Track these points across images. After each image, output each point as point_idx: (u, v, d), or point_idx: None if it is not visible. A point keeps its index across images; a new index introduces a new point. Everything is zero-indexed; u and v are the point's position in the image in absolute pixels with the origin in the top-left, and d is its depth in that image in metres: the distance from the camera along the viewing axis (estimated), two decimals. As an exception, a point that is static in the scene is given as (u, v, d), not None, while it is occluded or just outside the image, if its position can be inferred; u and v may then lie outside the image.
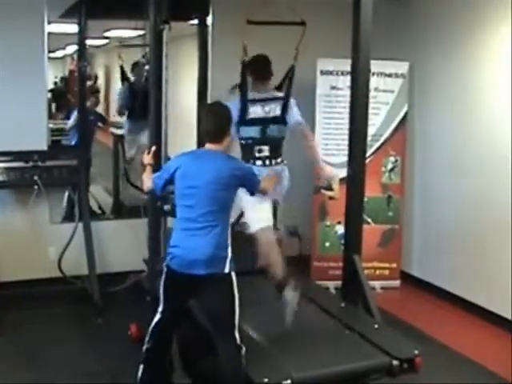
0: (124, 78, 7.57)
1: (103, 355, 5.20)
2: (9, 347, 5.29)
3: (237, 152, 4.96)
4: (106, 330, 5.65)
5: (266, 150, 5.00)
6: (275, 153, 5.04)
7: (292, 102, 5.12)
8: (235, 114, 4.87)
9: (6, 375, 4.83)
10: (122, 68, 7.53)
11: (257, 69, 5.04)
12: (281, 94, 5.10)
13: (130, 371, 4.59)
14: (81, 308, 6.02)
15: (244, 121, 4.96)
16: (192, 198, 4.01)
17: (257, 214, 4.93)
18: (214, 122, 4.13)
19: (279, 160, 5.05)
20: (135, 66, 7.50)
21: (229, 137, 4.19)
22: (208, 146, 4.15)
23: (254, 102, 4.97)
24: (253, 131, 4.99)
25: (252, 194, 4.37)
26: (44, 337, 5.49)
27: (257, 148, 5.00)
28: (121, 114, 7.83)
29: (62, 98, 7.66)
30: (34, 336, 5.50)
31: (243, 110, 4.95)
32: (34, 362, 5.07)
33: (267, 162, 5.00)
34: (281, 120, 5.05)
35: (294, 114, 5.11)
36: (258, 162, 4.99)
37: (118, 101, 7.85)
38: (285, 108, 5.04)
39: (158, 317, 4.19)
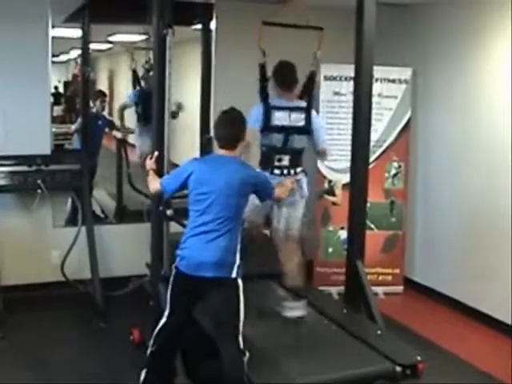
0: (135, 81, 7.56)
1: (105, 359, 5.20)
2: (12, 350, 5.28)
3: (255, 155, 4.95)
4: (108, 334, 5.64)
5: (285, 160, 5.00)
6: (295, 163, 5.03)
7: (314, 113, 5.13)
8: (260, 117, 4.89)
9: (8, 378, 4.83)
10: (134, 71, 7.52)
11: (282, 76, 5.04)
12: (304, 104, 5.09)
13: (132, 375, 4.60)
14: (83, 312, 6.01)
15: (268, 127, 4.95)
16: (204, 204, 4.04)
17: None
18: (228, 128, 4.16)
19: (298, 170, 5.05)
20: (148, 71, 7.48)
21: (243, 142, 4.19)
22: (222, 151, 4.18)
23: (278, 108, 4.97)
24: (275, 140, 4.98)
25: (264, 201, 4.43)
26: (47, 340, 5.50)
27: (277, 157, 4.99)
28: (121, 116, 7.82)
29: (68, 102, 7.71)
30: (36, 339, 5.50)
31: (266, 116, 4.94)
32: (37, 364, 5.07)
33: (285, 172, 4.99)
34: (304, 131, 5.04)
35: (322, 133, 5.12)
36: (277, 171, 5.00)
37: (128, 104, 7.84)
38: (308, 118, 5.03)
39: (163, 320, 4.21)
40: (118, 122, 7.86)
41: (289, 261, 5.05)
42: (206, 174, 4.09)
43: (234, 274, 4.02)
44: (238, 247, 4.10)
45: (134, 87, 7.63)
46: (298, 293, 5.49)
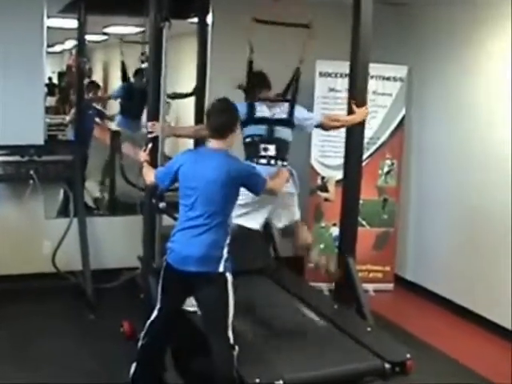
0: (124, 75, 7.56)
1: (95, 351, 5.19)
2: (0, 341, 5.27)
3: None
4: (99, 327, 5.64)
5: (271, 150, 4.93)
6: (281, 154, 4.97)
7: (299, 107, 5.10)
8: (242, 113, 4.87)
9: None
10: (122, 64, 7.52)
11: (257, 83, 5.06)
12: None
13: (122, 368, 4.60)
14: (74, 303, 6.02)
15: (251, 119, 4.93)
16: (190, 199, 4.03)
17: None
18: (219, 117, 4.12)
19: (285, 163, 4.99)
20: (138, 71, 7.48)
21: (233, 134, 4.15)
22: (212, 142, 4.15)
23: (261, 100, 4.97)
24: (259, 129, 4.95)
25: (257, 194, 4.34)
26: (36, 331, 5.49)
27: (262, 146, 4.94)
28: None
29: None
30: (26, 330, 5.50)
31: (250, 108, 4.93)
32: (26, 356, 5.06)
33: (272, 162, 4.94)
34: (287, 123, 5.02)
35: (302, 112, 5.09)
36: (263, 161, 4.92)
37: (114, 95, 7.87)
38: (291, 111, 5.02)
39: (154, 314, 4.21)
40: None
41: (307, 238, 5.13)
42: (193, 169, 4.08)
43: (221, 269, 4.00)
44: (226, 241, 4.07)
45: (123, 80, 7.63)
46: (289, 288, 5.53)
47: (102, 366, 4.97)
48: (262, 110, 4.96)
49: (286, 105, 5.02)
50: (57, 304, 6.05)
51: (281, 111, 5.00)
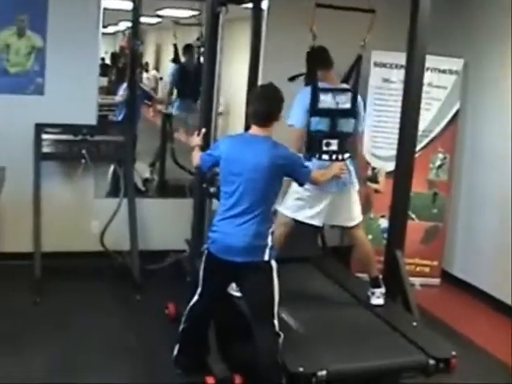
0: (176, 57, 7.58)
1: (139, 331, 5.23)
2: (44, 317, 5.32)
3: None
4: (144, 307, 5.67)
5: (334, 144, 4.89)
6: (343, 147, 4.93)
7: (359, 98, 5.06)
8: (307, 102, 4.83)
9: (37, 344, 4.87)
10: (175, 47, 7.54)
11: (317, 58, 4.98)
12: (348, 86, 5.02)
13: (166, 349, 4.66)
14: (120, 283, 6.05)
15: (315, 110, 4.85)
16: (233, 185, 3.97)
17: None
18: (264, 104, 4.00)
19: (346, 155, 4.96)
20: (188, 47, 7.50)
21: (277, 121, 4.05)
22: (254, 129, 4.05)
23: (324, 90, 4.88)
24: (322, 124, 4.88)
25: (301, 184, 4.29)
26: (81, 309, 5.52)
27: (325, 141, 4.88)
28: (170, 93, 7.86)
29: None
30: (70, 307, 5.53)
31: (314, 99, 4.83)
32: (68, 333, 5.09)
33: (334, 157, 4.89)
34: (350, 113, 4.97)
35: (361, 121, 5.10)
36: (325, 157, 4.89)
37: (169, 79, 7.87)
38: (354, 101, 4.96)
39: (195, 298, 4.24)
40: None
41: (366, 249, 5.14)
42: (235, 155, 3.99)
43: (266, 257, 3.98)
44: (271, 230, 4.05)
45: (174, 62, 7.65)
46: (334, 277, 5.52)
47: (146, 346, 5.00)
48: (325, 101, 4.87)
49: (349, 93, 4.96)
50: (103, 283, 6.10)
51: (345, 100, 4.92)
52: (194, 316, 4.29)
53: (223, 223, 4.03)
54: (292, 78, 5.11)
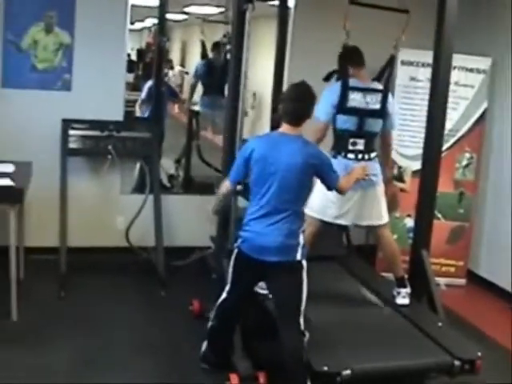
0: (204, 53, 7.59)
1: (164, 327, 5.24)
2: (68, 311, 5.35)
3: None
4: (169, 303, 5.68)
5: (360, 144, 4.88)
6: (369, 147, 4.93)
7: (391, 98, 5.05)
8: (335, 99, 4.82)
9: (61, 337, 4.91)
10: (203, 43, 7.54)
11: (350, 56, 4.97)
12: (380, 87, 5.01)
13: (190, 346, 4.68)
14: (144, 279, 6.07)
15: (343, 108, 4.85)
16: (265, 185, 3.95)
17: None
18: (299, 103, 3.99)
19: (372, 155, 4.96)
20: (216, 45, 7.50)
21: (308, 120, 4.05)
22: (285, 127, 4.03)
23: (355, 89, 4.87)
24: (350, 123, 4.88)
25: (329, 188, 4.22)
26: (105, 304, 5.55)
27: (351, 140, 4.88)
28: (193, 88, 7.86)
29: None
30: (94, 302, 5.57)
31: (343, 96, 4.83)
32: (92, 327, 5.11)
33: (360, 156, 4.89)
34: (379, 114, 4.95)
35: (393, 119, 5.07)
36: (351, 156, 4.89)
37: (194, 76, 7.88)
38: (384, 102, 4.94)
39: (223, 296, 4.24)
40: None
41: (393, 248, 5.11)
42: (268, 154, 3.96)
43: (298, 257, 3.98)
44: (302, 228, 4.04)
45: (203, 58, 7.66)
46: (359, 276, 5.50)
47: (170, 342, 5.00)
48: (354, 99, 4.86)
49: (380, 94, 4.94)
50: (128, 278, 6.12)
51: (376, 100, 4.91)
52: (222, 314, 4.30)
53: (255, 222, 4.02)
54: (327, 78, 5.08)
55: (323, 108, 4.83)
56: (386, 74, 5.12)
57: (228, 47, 6.33)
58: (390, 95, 5.05)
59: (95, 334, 5.00)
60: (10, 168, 5.32)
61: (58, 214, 5.94)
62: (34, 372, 4.37)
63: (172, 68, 8.37)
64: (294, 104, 4.00)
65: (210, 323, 4.35)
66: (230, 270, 4.18)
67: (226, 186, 4.26)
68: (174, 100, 8.08)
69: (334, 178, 4.15)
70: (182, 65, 8.74)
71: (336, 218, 4.95)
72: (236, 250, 4.14)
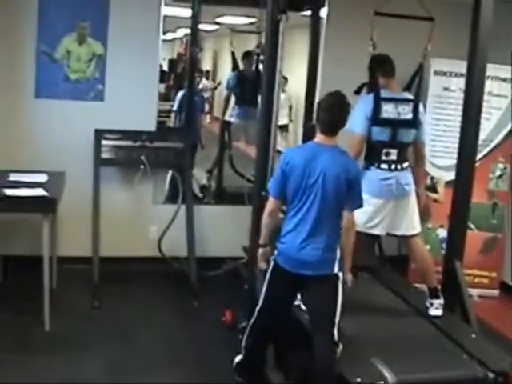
0: (234, 64, 7.61)
1: (196, 338, 5.25)
2: (100, 321, 5.39)
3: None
4: (201, 313, 5.70)
5: (393, 154, 4.87)
6: (402, 157, 4.93)
7: (421, 107, 5.03)
8: (368, 112, 4.82)
9: (97, 345, 4.95)
10: (233, 54, 7.57)
11: (381, 65, 4.96)
12: (411, 96, 5.00)
13: (222, 356, 4.67)
14: (177, 289, 6.09)
15: (377, 120, 4.84)
16: (302, 198, 3.93)
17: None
18: (336, 113, 3.96)
19: (405, 165, 4.95)
20: (246, 54, 7.52)
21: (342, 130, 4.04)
22: (321, 138, 3.99)
23: (387, 100, 4.87)
24: (383, 134, 4.87)
25: (350, 210, 4.02)
26: (137, 314, 5.58)
27: (384, 151, 4.88)
28: (227, 100, 7.88)
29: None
30: (127, 312, 5.59)
31: (376, 108, 4.83)
32: (124, 337, 5.13)
33: (393, 167, 4.88)
34: (412, 124, 4.94)
35: (423, 131, 5.07)
36: (384, 166, 4.88)
37: (226, 88, 7.90)
38: (415, 111, 4.93)
39: (255, 315, 4.19)
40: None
41: (425, 260, 5.08)
42: (304, 166, 3.91)
43: (335, 270, 3.96)
44: (339, 242, 4.00)
45: (234, 69, 7.68)
46: (392, 288, 5.47)
47: (202, 352, 5.01)
48: (387, 110, 4.85)
49: (411, 103, 4.93)
50: (160, 288, 6.15)
51: (407, 110, 4.90)
52: (256, 333, 4.25)
53: (291, 236, 3.98)
54: (357, 91, 5.07)
55: (359, 121, 4.81)
56: (415, 84, 5.10)
57: (261, 57, 6.35)
58: (420, 105, 5.03)
59: (127, 344, 5.02)
60: (43, 178, 5.38)
61: (91, 223, 6.00)
62: (64, 380, 4.40)
63: (207, 78, 8.42)
64: (329, 114, 3.96)
65: (243, 343, 4.31)
66: (266, 282, 4.15)
67: (270, 203, 4.15)
68: (206, 110, 8.11)
69: (356, 204, 4.04)
70: (214, 74, 8.79)
71: (370, 228, 4.93)
72: (272, 263, 4.11)
